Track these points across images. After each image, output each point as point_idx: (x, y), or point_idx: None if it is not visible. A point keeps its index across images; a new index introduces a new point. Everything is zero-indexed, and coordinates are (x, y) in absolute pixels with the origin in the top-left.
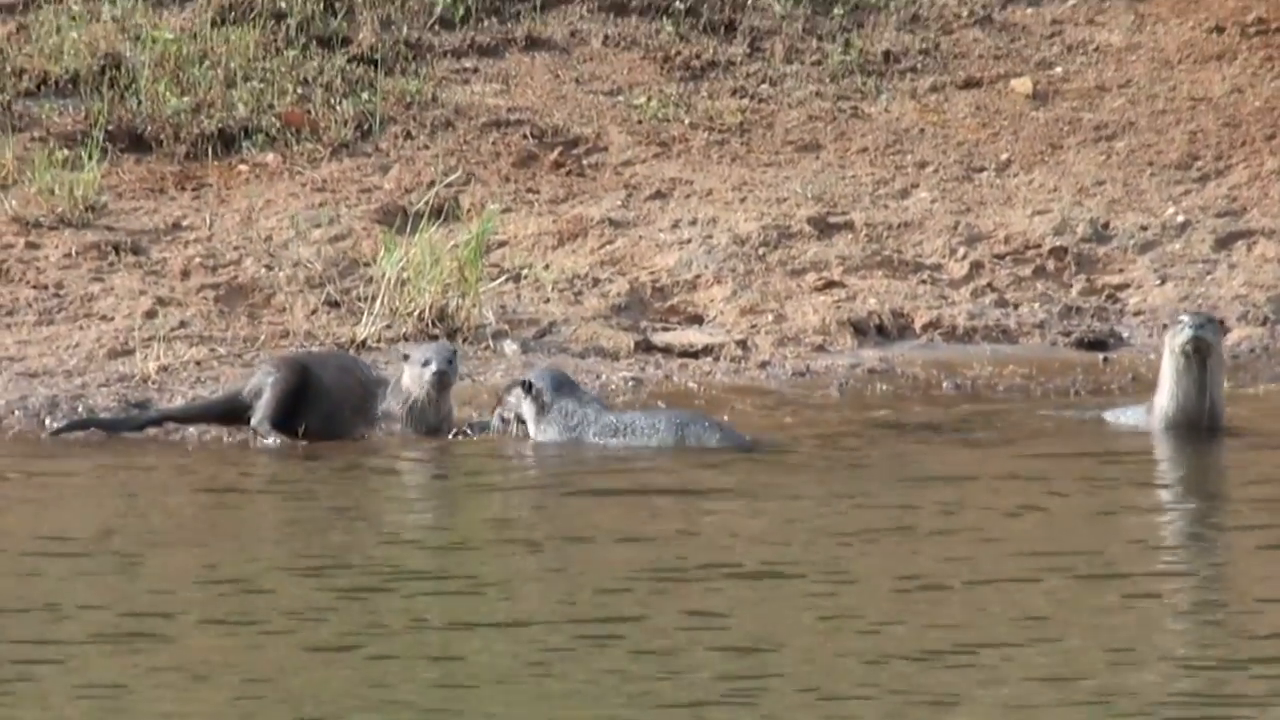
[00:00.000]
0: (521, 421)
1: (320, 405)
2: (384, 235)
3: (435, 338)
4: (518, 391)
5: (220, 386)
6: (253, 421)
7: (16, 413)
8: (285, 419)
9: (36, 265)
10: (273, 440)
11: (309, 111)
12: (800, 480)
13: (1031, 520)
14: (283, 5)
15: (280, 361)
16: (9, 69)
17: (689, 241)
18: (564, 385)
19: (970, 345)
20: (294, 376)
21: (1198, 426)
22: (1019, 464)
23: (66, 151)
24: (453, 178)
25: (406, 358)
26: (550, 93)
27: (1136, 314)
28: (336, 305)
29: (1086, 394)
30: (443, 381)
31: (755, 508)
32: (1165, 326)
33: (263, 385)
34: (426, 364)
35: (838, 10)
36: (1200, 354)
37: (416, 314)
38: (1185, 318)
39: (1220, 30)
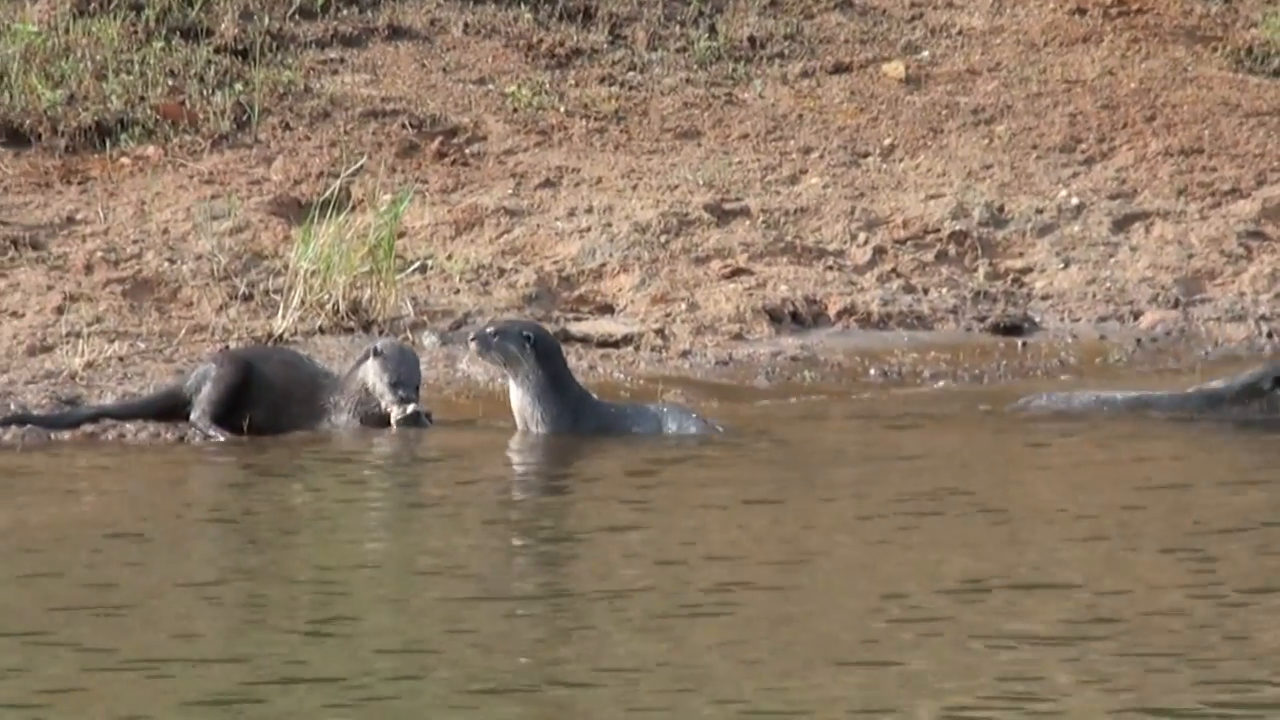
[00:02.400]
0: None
1: (265, 399)
2: (301, 227)
3: (351, 330)
4: (516, 339)
5: (150, 383)
6: (192, 417)
7: None
8: (227, 414)
9: None
10: (214, 434)
11: (183, 103)
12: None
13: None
14: None
15: (223, 356)
16: None
17: (588, 230)
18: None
19: (887, 331)
20: (237, 372)
21: None
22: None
23: None
24: (356, 166)
25: (377, 353)
26: (419, 82)
27: (1044, 298)
28: (247, 299)
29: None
30: (416, 423)
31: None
32: None
33: (204, 380)
34: (396, 386)
35: None
36: None
37: (330, 306)
38: None
39: (1082, 12)
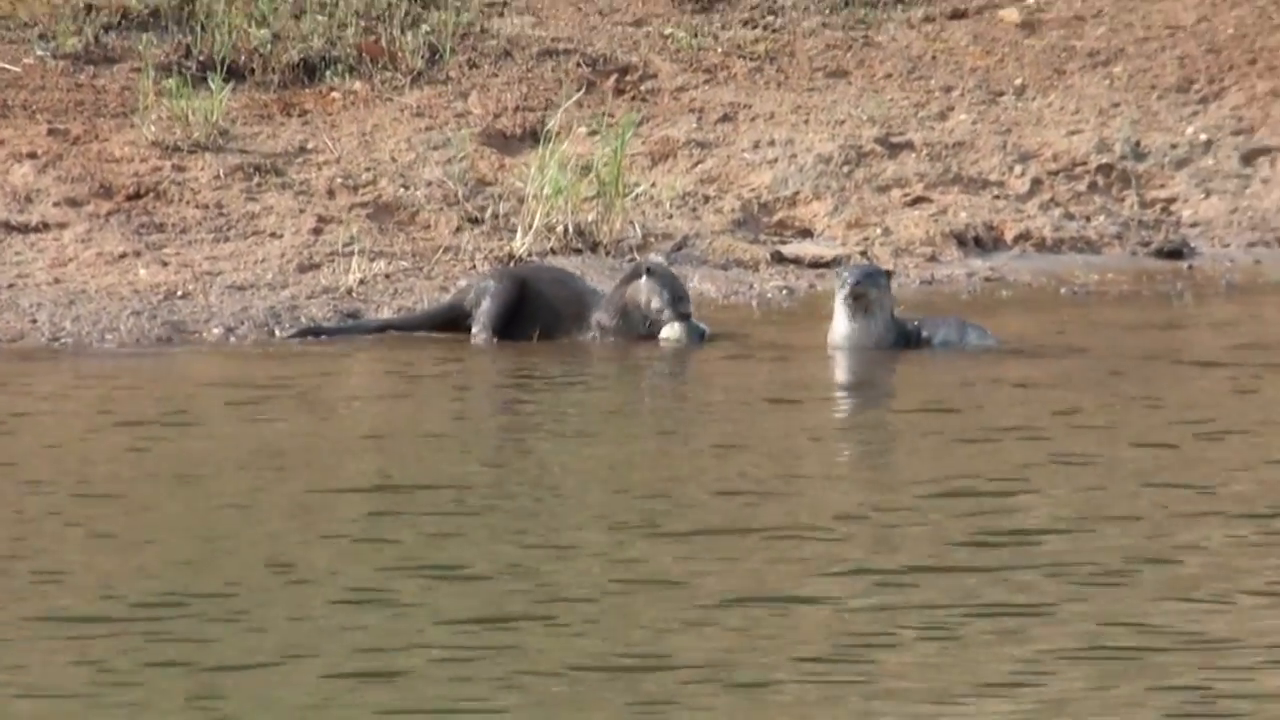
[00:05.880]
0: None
1: (540, 315)
2: (527, 156)
3: (579, 251)
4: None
5: (421, 298)
6: (473, 330)
7: (245, 324)
8: (504, 328)
9: (190, 186)
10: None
11: (377, 40)
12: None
13: None
14: None
15: (500, 273)
16: (82, 5)
17: (776, 161)
18: None
19: (1061, 255)
20: (514, 288)
21: None
22: None
23: (169, 81)
24: (573, 99)
25: (650, 272)
26: (580, 24)
27: (1193, 225)
28: (477, 222)
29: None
30: (700, 339)
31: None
32: None
33: (483, 295)
34: (676, 302)
35: None
36: None
37: (560, 229)
38: None
39: None
